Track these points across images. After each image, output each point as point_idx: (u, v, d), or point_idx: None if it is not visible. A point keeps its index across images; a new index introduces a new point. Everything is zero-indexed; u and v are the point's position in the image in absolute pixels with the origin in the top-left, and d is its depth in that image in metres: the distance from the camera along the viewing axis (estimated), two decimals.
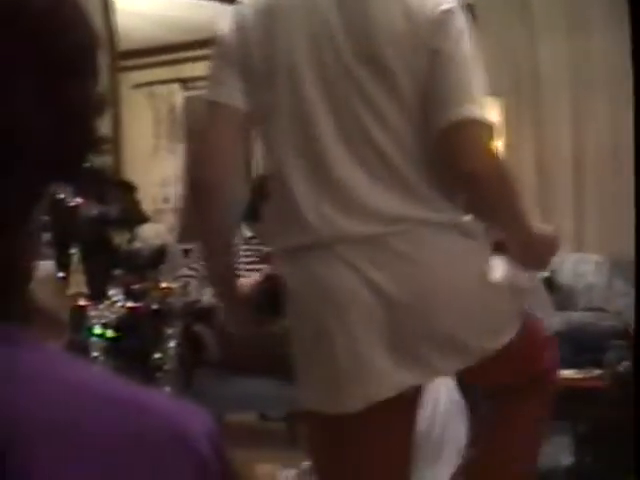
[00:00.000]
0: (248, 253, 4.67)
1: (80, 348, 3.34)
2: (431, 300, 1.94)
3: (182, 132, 6.86)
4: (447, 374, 2.45)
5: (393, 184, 1.95)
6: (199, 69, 6.65)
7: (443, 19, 1.93)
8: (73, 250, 3.45)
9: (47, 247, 3.38)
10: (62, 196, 3.55)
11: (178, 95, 6.87)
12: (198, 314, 4.34)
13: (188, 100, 6.88)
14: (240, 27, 2.01)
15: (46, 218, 3.35)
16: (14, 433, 0.60)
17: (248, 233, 4.75)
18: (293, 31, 1.99)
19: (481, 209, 2.02)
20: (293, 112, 1.99)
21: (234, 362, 4.28)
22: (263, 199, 4.62)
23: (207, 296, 4.43)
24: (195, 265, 4.61)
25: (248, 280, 2.33)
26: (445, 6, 1.94)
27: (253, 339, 4.19)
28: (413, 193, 1.95)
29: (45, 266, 3.36)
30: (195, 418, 0.67)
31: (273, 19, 2.00)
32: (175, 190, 6.72)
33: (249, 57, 2.00)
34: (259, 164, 2.75)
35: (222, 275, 2.21)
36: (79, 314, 3.41)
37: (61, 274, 3.42)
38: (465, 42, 1.93)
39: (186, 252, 4.84)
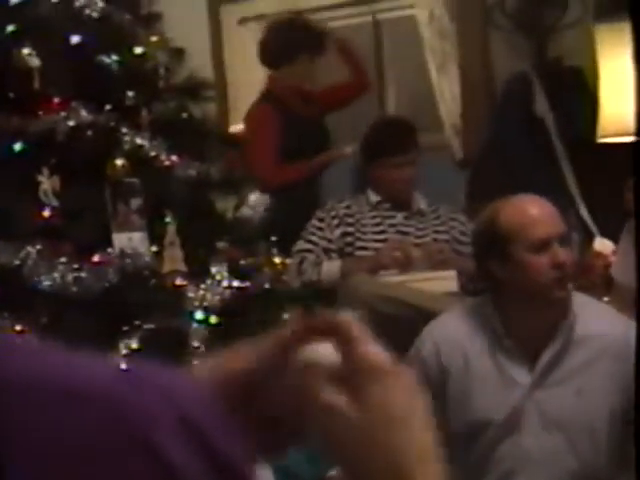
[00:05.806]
0: (376, 220, 4.31)
1: (179, 337, 2.96)
2: None
3: None
4: None
5: None
6: None
7: None
8: (168, 219, 3.09)
9: (138, 216, 3.03)
10: (154, 154, 3.14)
11: None
12: (319, 295, 3.90)
13: None
14: None
15: (135, 181, 3.04)
16: None
17: (375, 198, 4.36)
18: None
19: None
20: None
21: None
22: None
23: (328, 273, 4.11)
24: (313, 237, 4.24)
25: None
26: None
27: (385, 323, 3.75)
28: None
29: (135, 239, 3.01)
30: (159, 398, 0.54)
31: None
32: None
33: None
34: None
35: None
36: (177, 296, 3.03)
37: (154, 248, 3.06)
38: None
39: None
